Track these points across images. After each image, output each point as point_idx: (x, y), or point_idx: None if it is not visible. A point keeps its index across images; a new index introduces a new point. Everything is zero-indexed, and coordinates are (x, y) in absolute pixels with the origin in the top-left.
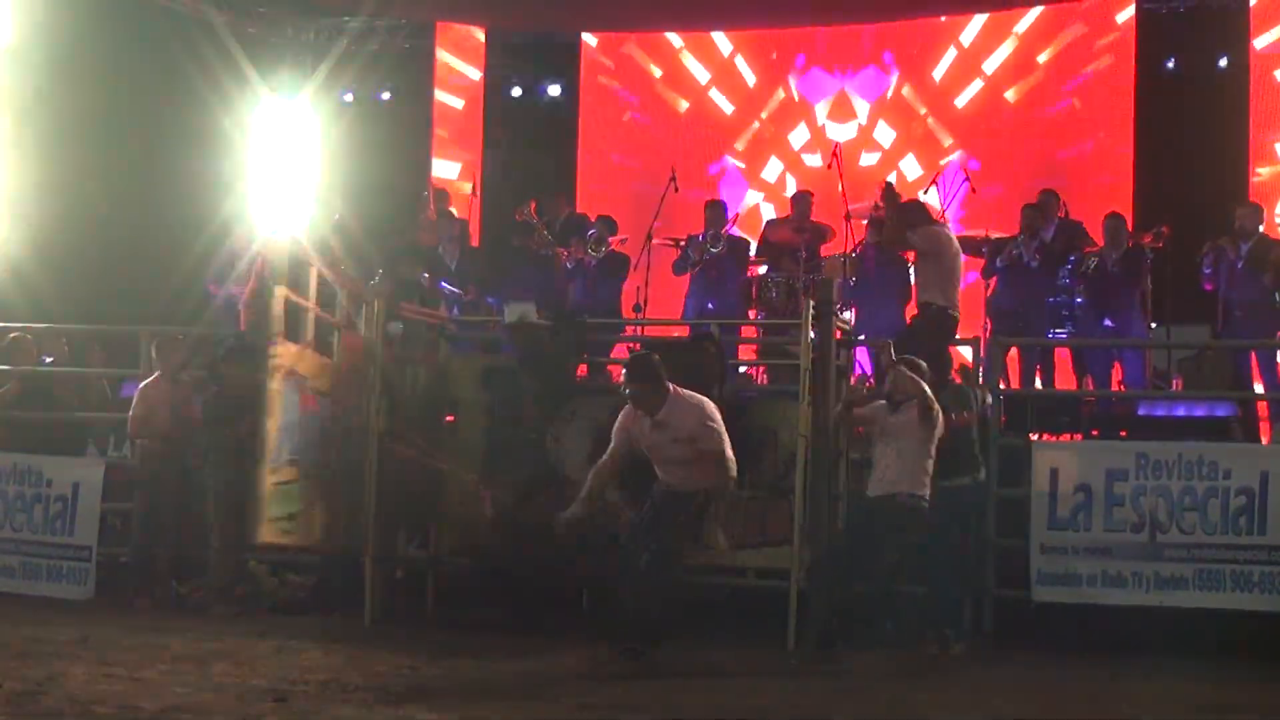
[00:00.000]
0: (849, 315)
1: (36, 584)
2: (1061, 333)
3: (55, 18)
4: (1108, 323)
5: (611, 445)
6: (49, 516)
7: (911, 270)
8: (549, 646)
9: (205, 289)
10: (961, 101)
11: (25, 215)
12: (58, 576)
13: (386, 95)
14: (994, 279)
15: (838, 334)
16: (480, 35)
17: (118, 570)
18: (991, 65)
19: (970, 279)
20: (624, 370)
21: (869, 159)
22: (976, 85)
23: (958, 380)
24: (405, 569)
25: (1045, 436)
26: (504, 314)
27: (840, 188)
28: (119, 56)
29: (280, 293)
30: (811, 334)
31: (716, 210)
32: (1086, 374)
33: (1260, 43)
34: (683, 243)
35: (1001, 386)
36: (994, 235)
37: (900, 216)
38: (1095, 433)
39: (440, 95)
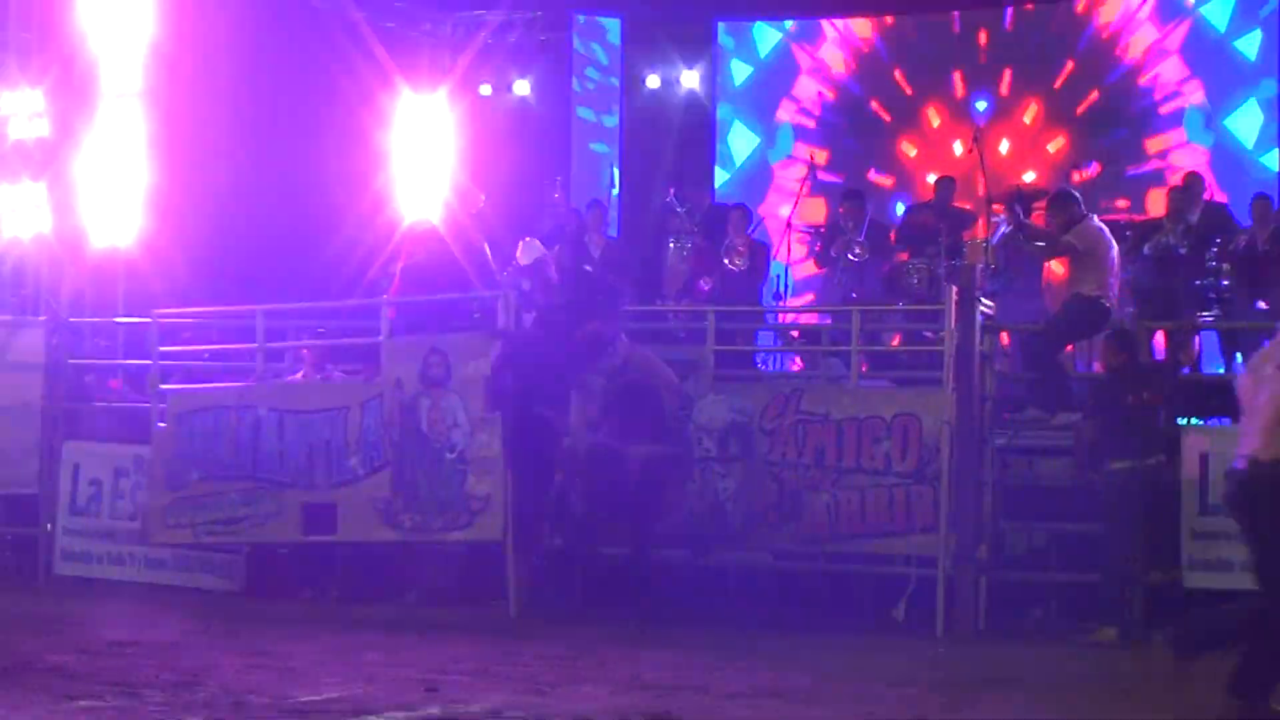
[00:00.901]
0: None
1: (190, 575)
2: (1208, 316)
3: (198, 16)
4: (1260, 305)
5: None
6: None
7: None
8: (689, 636)
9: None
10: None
11: (169, 210)
12: (210, 569)
13: (524, 88)
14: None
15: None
16: (616, 25)
17: (266, 563)
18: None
19: None
20: None
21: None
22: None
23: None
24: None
25: (1195, 421)
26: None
27: (981, 171)
28: (259, 53)
29: None
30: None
31: (856, 202)
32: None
33: None
34: (822, 230)
35: None
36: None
37: (1054, 218)
38: None
39: (577, 86)
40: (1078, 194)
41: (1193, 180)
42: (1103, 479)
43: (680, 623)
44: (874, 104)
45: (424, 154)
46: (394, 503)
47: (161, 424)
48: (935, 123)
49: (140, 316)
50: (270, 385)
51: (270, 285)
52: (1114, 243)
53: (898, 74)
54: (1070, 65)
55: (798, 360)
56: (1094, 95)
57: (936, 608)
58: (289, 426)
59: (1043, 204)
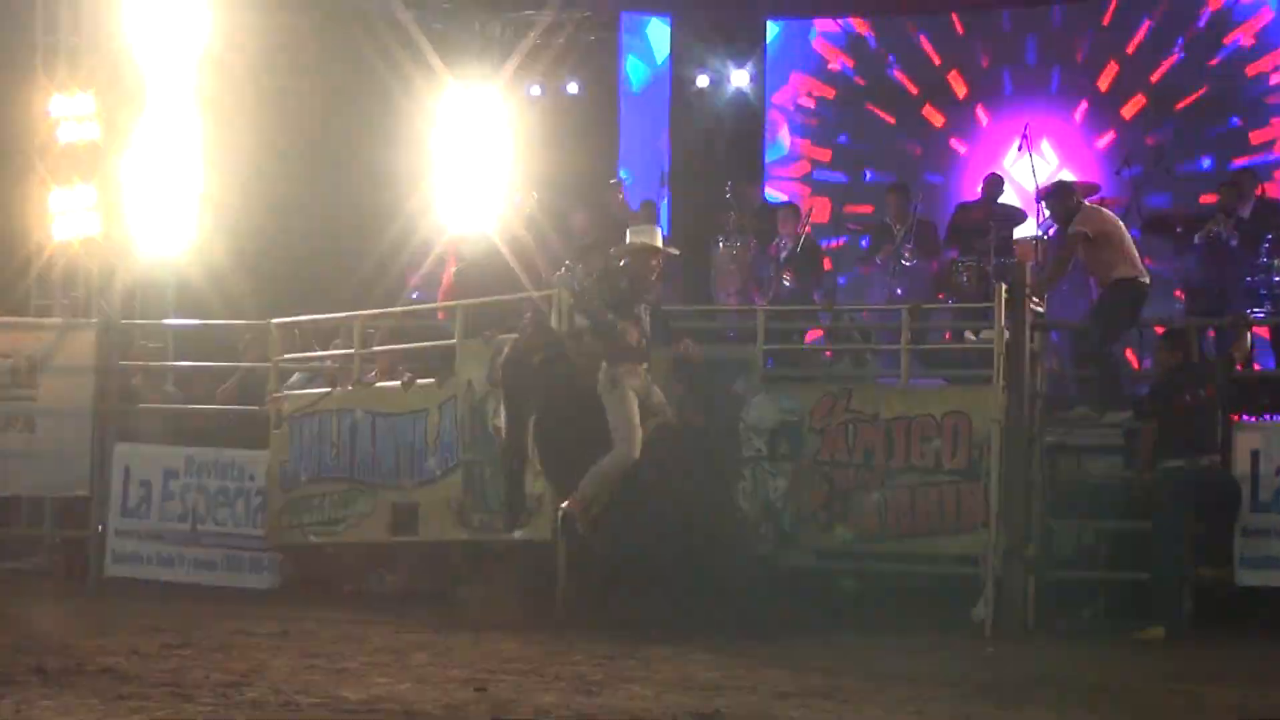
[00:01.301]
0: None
1: (239, 576)
2: (1260, 312)
3: (250, 20)
4: None
5: None
6: (250, 510)
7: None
8: (737, 637)
9: (403, 276)
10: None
11: (220, 214)
12: (259, 569)
13: (574, 87)
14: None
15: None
16: (665, 24)
17: (313, 563)
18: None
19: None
20: None
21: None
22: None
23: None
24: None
25: (1246, 418)
26: None
27: (1031, 169)
28: (310, 57)
29: None
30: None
31: (902, 196)
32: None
33: None
34: (871, 226)
35: None
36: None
37: (1054, 211)
38: None
39: (626, 86)
40: (1073, 183)
41: (1243, 176)
42: (1156, 477)
43: (729, 623)
44: (927, 106)
45: (474, 154)
46: (465, 502)
47: (276, 429)
48: (984, 122)
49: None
50: (366, 389)
51: (320, 290)
52: (1121, 223)
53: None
54: (1115, 66)
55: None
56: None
57: (984, 606)
58: (381, 429)
59: None
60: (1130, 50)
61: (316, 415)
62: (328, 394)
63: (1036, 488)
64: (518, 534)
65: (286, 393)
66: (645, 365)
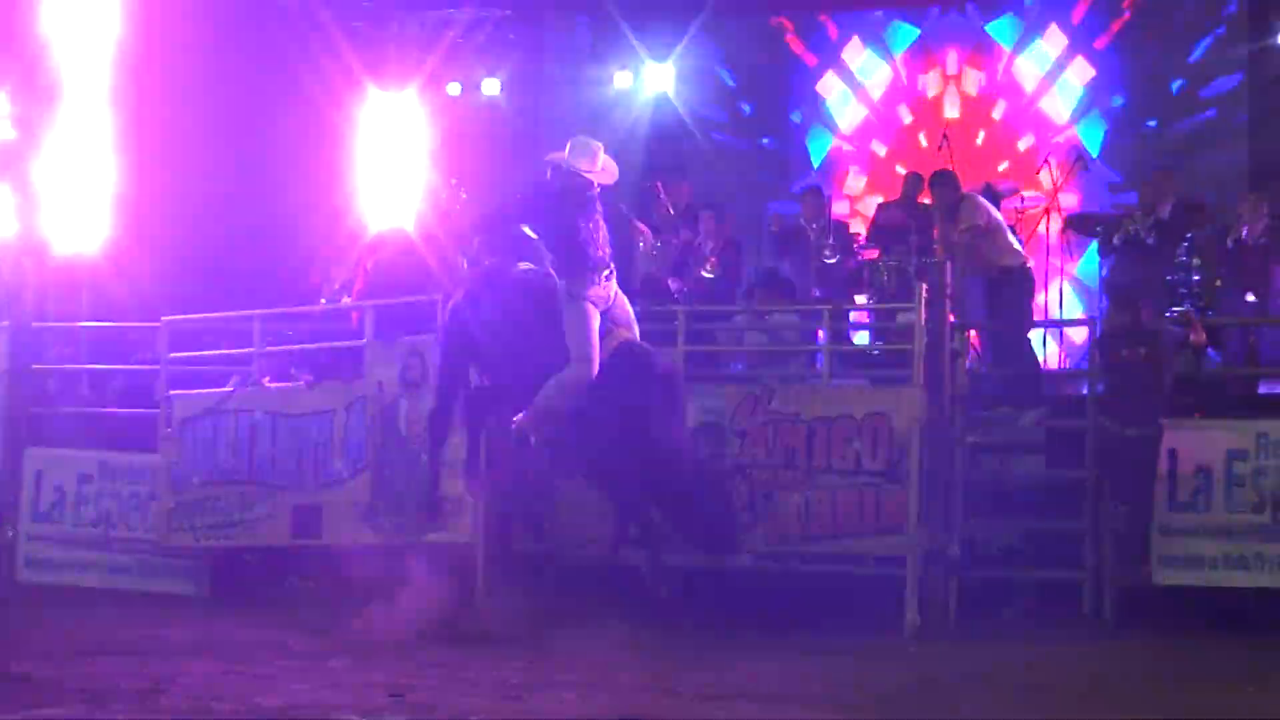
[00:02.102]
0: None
1: (156, 581)
2: (1176, 312)
3: (165, 16)
4: (1250, 298)
5: None
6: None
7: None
8: (660, 637)
9: (314, 280)
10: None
11: (135, 214)
12: (176, 574)
13: (493, 87)
14: (1110, 258)
15: (951, 317)
16: (586, 22)
17: (233, 568)
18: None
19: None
20: None
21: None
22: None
23: None
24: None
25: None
26: None
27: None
28: (227, 54)
29: None
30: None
31: (817, 199)
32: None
33: None
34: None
35: None
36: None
37: (939, 199)
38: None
39: (548, 85)
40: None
41: (1164, 175)
42: (1109, 439)
43: (651, 624)
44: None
45: (393, 154)
46: (374, 505)
47: (168, 429)
48: (907, 120)
49: (106, 322)
50: (265, 390)
51: (238, 290)
52: None
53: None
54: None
55: None
56: None
57: (906, 608)
58: (282, 430)
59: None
60: None
61: (213, 416)
62: (227, 395)
63: (958, 488)
64: (432, 537)
65: (180, 393)
66: (608, 273)
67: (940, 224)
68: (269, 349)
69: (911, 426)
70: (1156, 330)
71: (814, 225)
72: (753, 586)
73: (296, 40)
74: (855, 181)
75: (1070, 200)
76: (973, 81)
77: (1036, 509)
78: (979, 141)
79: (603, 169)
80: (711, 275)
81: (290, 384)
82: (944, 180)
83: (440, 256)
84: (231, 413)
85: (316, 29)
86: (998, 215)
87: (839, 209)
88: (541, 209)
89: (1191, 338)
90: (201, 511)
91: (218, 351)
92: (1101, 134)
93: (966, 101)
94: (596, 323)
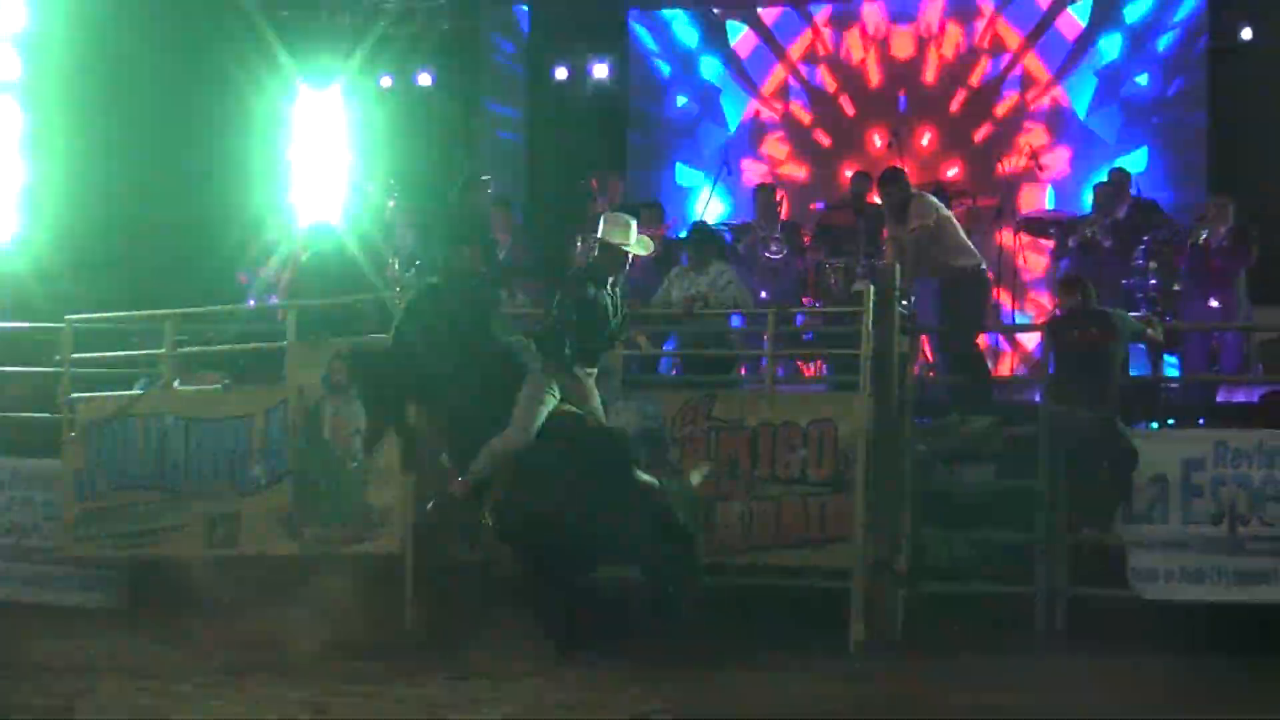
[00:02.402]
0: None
1: (71, 594)
2: (1138, 315)
3: (78, 3)
4: (1213, 303)
5: None
6: None
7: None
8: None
9: (238, 279)
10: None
11: (50, 209)
12: (91, 586)
13: (427, 79)
14: (1065, 260)
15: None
16: (523, 13)
17: (150, 580)
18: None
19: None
20: None
21: None
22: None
23: None
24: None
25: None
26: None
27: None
28: (146, 42)
29: None
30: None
31: (768, 197)
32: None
33: None
34: (734, 225)
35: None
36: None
37: (889, 198)
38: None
39: (484, 77)
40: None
41: (1119, 176)
42: (1061, 423)
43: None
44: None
45: (321, 148)
46: (295, 513)
47: (71, 434)
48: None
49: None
50: (178, 393)
51: (158, 288)
52: None
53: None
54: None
55: None
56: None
57: (852, 621)
58: (196, 435)
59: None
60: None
61: (121, 421)
62: (137, 398)
63: (906, 498)
64: (357, 548)
65: (84, 396)
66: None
67: (890, 223)
68: (180, 350)
69: (858, 434)
70: (1106, 312)
71: (764, 220)
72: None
73: (220, 28)
74: (778, 148)
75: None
76: (952, 43)
77: (987, 519)
78: (954, 107)
79: (637, 241)
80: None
81: (204, 387)
82: (893, 178)
83: (371, 256)
84: (140, 417)
85: (241, 17)
86: (949, 214)
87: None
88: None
89: (1149, 332)
90: (108, 520)
91: (124, 353)
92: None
93: (944, 64)
94: (547, 408)
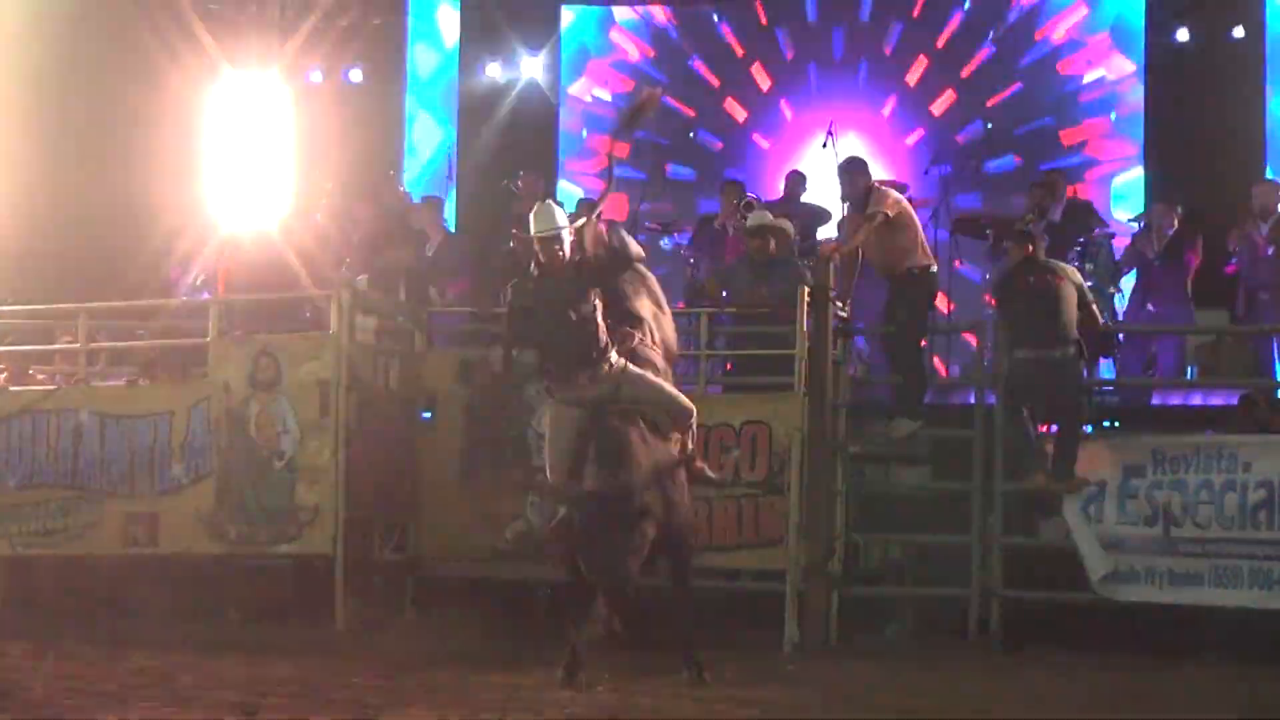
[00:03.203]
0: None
1: None
2: None
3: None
4: (1150, 307)
5: None
6: None
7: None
8: (533, 654)
9: (169, 275)
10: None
11: None
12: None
13: (357, 74)
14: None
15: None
16: (454, 9)
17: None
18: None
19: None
20: None
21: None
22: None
23: None
24: (383, 574)
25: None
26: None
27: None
28: (75, 34)
29: None
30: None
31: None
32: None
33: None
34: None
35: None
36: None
37: (849, 188)
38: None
39: (413, 73)
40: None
41: (1054, 176)
42: (1009, 368)
43: (516, 639)
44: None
45: (251, 144)
46: (218, 513)
47: None
48: (789, 116)
49: None
50: (92, 388)
51: (85, 283)
52: None
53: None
54: (925, 60)
55: None
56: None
57: (785, 623)
58: (111, 431)
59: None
60: (940, 44)
61: (31, 415)
62: (47, 393)
63: (840, 500)
64: (284, 547)
65: None
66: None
67: (849, 213)
68: (94, 345)
69: (793, 435)
70: (1054, 263)
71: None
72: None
73: (149, 20)
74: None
75: None
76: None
77: (922, 522)
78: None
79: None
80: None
81: (120, 382)
82: (854, 166)
83: (301, 253)
84: (52, 412)
85: (170, 9)
86: (908, 208)
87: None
88: None
89: (1094, 305)
90: (16, 518)
91: (38, 348)
92: None
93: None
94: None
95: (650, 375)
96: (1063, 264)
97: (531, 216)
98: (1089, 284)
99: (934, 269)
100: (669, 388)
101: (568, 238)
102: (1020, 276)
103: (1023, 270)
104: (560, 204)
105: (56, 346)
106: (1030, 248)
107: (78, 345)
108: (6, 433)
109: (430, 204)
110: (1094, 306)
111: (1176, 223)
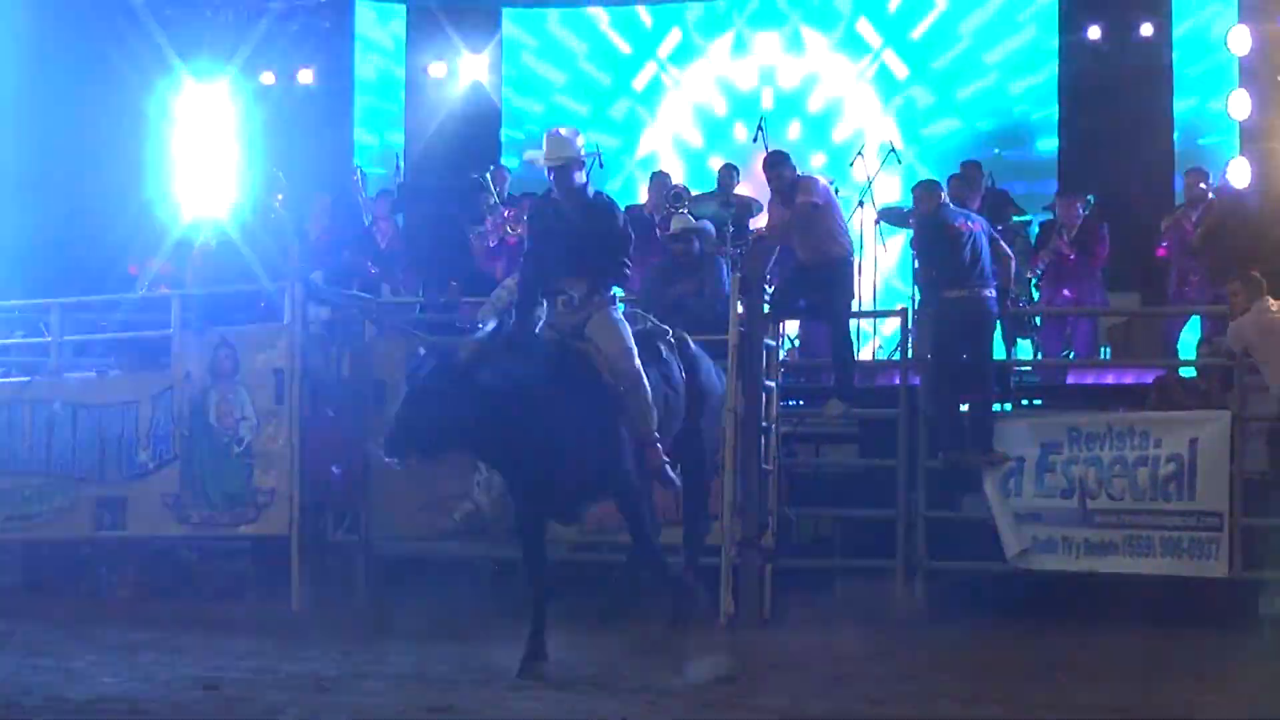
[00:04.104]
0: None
1: None
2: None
3: None
4: (1066, 292)
5: None
6: None
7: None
8: (482, 629)
9: (128, 269)
10: (900, 72)
11: None
12: None
13: (307, 76)
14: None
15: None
16: (400, 12)
17: (46, 560)
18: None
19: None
20: None
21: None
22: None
23: None
24: (336, 555)
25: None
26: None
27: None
28: (31, 33)
29: None
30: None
31: (663, 179)
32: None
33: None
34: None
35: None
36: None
37: (776, 179)
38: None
39: (361, 75)
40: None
41: (970, 168)
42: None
43: (467, 615)
44: None
45: (206, 144)
46: (182, 497)
47: None
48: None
49: None
50: (63, 379)
51: (43, 279)
52: None
53: None
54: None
55: None
56: None
57: (721, 595)
58: (82, 420)
59: None
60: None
61: (7, 407)
62: (23, 384)
63: (773, 477)
64: (243, 529)
65: None
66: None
67: (775, 205)
68: (68, 337)
69: (728, 417)
70: (962, 211)
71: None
72: (569, 576)
73: (106, 22)
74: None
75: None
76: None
77: (850, 497)
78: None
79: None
80: (516, 232)
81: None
82: (780, 160)
83: (256, 247)
84: (28, 403)
85: (126, 12)
86: (835, 198)
87: None
88: None
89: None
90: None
91: (13, 340)
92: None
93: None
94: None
95: (625, 333)
96: (969, 210)
97: (545, 141)
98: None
99: (853, 257)
100: (636, 363)
101: (577, 170)
102: (939, 222)
103: (941, 217)
104: (578, 132)
105: (34, 339)
106: (943, 195)
107: (50, 339)
108: None
109: (382, 201)
110: (1003, 245)
111: (1083, 212)
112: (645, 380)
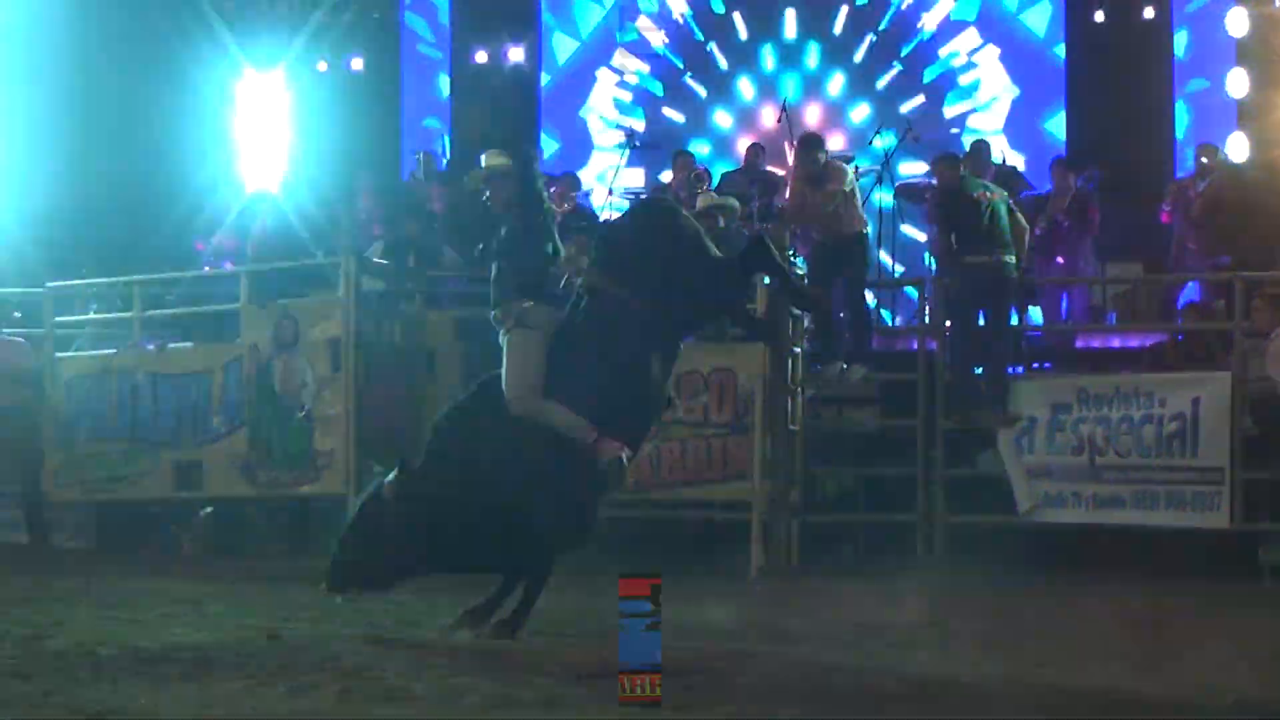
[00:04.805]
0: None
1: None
2: None
3: None
4: (1059, 260)
5: None
6: None
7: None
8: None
9: (193, 246)
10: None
11: (11, 184)
12: (62, 529)
13: (358, 64)
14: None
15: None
16: (444, 4)
17: (119, 522)
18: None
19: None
20: None
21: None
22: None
23: None
24: None
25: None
26: None
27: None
28: (97, 27)
29: None
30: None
31: (687, 160)
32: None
33: None
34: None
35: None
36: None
37: (806, 162)
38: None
39: (408, 62)
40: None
41: (979, 145)
42: (956, 278)
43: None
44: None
45: (264, 127)
46: (250, 459)
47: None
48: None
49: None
50: (146, 351)
51: (113, 258)
52: None
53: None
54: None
55: None
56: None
57: (751, 549)
58: (162, 389)
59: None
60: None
61: (97, 377)
62: (110, 356)
63: (799, 438)
64: (305, 489)
65: (66, 355)
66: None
67: (803, 187)
68: (148, 313)
69: (755, 381)
70: (982, 181)
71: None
72: (610, 533)
73: (169, 15)
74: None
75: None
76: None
77: (872, 456)
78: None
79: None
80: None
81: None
82: (816, 143)
83: (311, 225)
84: (114, 373)
85: (190, 6)
86: (855, 182)
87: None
88: None
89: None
90: (88, 467)
91: (100, 315)
92: None
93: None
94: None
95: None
96: (987, 181)
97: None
98: None
99: (867, 231)
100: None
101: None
102: (959, 191)
103: (962, 187)
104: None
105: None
106: (960, 168)
107: (132, 314)
108: (79, 392)
109: (434, 183)
110: (1019, 214)
111: (1079, 183)
112: (546, 403)
